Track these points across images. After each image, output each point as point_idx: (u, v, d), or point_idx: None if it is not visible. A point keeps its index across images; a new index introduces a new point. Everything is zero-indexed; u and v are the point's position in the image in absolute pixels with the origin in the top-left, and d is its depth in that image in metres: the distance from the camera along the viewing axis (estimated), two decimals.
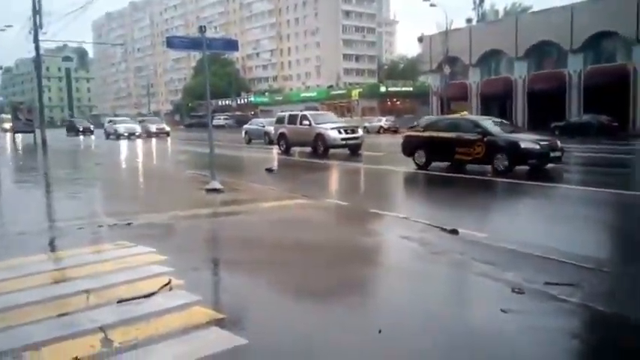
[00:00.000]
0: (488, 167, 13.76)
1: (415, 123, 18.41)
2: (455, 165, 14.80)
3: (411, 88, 68.00)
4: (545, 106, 38.98)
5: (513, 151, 13.31)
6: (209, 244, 7.18)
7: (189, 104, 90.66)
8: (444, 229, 7.15)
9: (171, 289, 4.87)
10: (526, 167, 13.58)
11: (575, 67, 38.90)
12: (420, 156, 15.41)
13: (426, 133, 15.61)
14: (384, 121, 47.05)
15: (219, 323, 4.12)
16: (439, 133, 15.07)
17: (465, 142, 14.10)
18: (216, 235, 7.65)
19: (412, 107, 61.74)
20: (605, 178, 13.39)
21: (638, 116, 35.13)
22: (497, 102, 44.90)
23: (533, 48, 41.92)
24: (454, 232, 7.00)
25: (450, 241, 6.73)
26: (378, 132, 43.66)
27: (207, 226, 8.10)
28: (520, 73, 43.00)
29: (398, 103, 67.25)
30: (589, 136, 28.24)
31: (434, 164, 15.22)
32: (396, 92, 67.95)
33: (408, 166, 15.60)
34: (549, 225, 8.05)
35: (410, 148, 16.02)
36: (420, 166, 15.27)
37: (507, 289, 4.85)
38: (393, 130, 44.00)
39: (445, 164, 15.16)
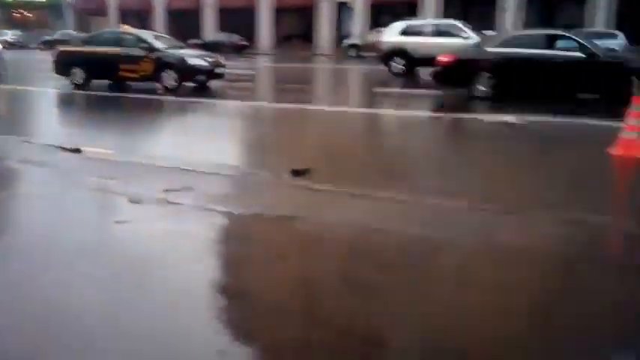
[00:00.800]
0: (158, 85, 13.35)
1: (50, 37, 16.29)
2: (120, 83, 13.92)
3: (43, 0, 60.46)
4: (184, 24, 39.74)
5: (182, 68, 13.13)
6: None
7: None
8: (66, 149, 6.73)
9: None
10: (193, 84, 13.53)
11: None
12: (78, 74, 13.94)
13: (86, 49, 14.20)
14: (9, 36, 41.00)
15: None
16: (101, 48, 13.81)
17: (131, 58, 13.31)
18: None
19: (46, 21, 55.22)
20: (252, 93, 14.48)
21: (261, 35, 38.99)
22: (137, 18, 43.60)
23: None
24: (77, 151, 6.66)
25: (73, 161, 6.39)
26: (3, 47, 37.84)
27: None
28: None
29: (29, 15, 59.16)
30: (223, 53, 29.93)
31: (97, 83, 14.02)
32: (25, 3, 59.45)
33: (61, 86, 14.05)
34: (188, 138, 8.26)
35: (65, 65, 14.27)
36: (77, 86, 13.89)
37: (126, 201, 4.89)
38: (20, 46, 38.90)
39: (109, 83, 14.13)
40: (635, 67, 10.25)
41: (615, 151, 6.59)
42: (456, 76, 11.76)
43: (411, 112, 10.44)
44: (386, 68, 17.19)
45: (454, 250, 3.94)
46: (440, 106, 11.47)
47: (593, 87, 10.79)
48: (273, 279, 3.56)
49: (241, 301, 3.25)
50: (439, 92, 12.37)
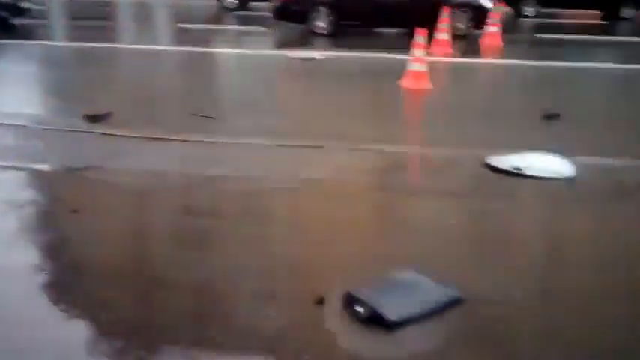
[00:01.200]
0: None
1: None
2: None
3: None
4: None
5: None
6: None
7: None
8: None
9: None
10: None
11: None
12: None
13: None
14: None
15: None
16: None
17: None
18: None
19: None
20: (49, 31, 12.77)
21: None
22: None
23: None
24: None
25: None
26: None
27: None
28: None
29: None
30: None
31: None
32: None
33: None
34: None
35: None
36: None
37: None
38: None
39: None
40: (456, 2, 10.69)
41: (404, 83, 7.04)
42: (294, 12, 11.44)
43: (228, 50, 10.15)
44: (218, 3, 16.20)
45: (267, 189, 3.95)
46: (267, 44, 11.21)
47: (418, 20, 10.79)
48: (87, 236, 3.27)
49: (54, 263, 2.95)
50: (273, 29, 12.01)
